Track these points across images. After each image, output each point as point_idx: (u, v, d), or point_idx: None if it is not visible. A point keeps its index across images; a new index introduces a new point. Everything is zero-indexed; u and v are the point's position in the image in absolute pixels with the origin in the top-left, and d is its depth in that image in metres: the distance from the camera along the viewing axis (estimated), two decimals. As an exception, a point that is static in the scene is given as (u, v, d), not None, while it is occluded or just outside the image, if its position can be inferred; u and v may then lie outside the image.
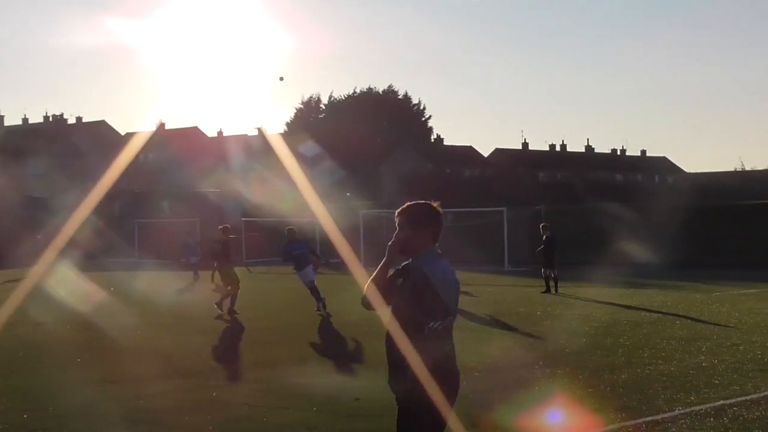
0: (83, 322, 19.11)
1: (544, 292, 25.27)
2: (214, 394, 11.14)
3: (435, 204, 5.41)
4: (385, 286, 5.23)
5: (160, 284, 30.69)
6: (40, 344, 16.25)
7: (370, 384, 11.55)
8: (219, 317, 20.34)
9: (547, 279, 25.73)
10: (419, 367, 5.03)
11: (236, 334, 17.78)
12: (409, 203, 5.40)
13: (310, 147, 77.82)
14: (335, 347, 15.51)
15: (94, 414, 10.06)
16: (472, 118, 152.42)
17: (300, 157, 60.92)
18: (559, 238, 26.91)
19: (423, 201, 5.43)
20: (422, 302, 5.07)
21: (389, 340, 5.18)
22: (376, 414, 9.78)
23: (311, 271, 21.19)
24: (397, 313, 5.19)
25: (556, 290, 25.39)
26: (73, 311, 20.85)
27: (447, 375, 5.11)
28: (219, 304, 21.29)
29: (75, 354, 14.68)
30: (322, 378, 12.24)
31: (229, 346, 15.64)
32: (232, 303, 21.13)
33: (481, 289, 26.24)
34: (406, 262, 5.33)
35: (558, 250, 26.13)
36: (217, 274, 25.01)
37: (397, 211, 5.34)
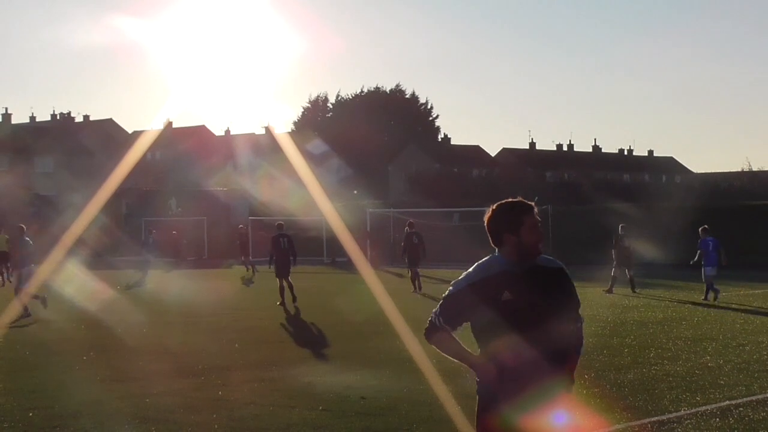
0: (90, 321, 19.15)
1: (607, 292, 24.98)
2: (221, 392, 11.15)
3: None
4: None
5: (166, 282, 30.74)
6: (47, 342, 16.29)
7: (376, 383, 11.57)
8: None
9: (614, 280, 25.36)
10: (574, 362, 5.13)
11: (243, 332, 17.79)
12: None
13: (317, 145, 77.94)
14: (341, 346, 15.51)
15: (101, 412, 10.08)
16: (480, 118, 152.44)
17: (308, 155, 61.03)
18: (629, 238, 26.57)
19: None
20: (572, 299, 5.10)
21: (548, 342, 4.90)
22: (382, 413, 9.80)
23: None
24: (540, 312, 4.89)
25: (633, 288, 25.20)
26: (81, 309, 20.90)
27: None
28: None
29: (81, 352, 14.71)
30: (328, 377, 12.25)
31: (235, 344, 15.65)
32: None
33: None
34: (512, 265, 4.98)
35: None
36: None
37: (535, 209, 5.03)
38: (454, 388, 10.64)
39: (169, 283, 30.69)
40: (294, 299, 22.37)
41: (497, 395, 4.90)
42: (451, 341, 5.02)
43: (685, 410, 9.76)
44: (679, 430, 8.95)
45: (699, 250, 23.31)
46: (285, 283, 22.91)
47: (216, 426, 9.34)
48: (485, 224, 5.06)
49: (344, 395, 10.79)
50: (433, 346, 5.12)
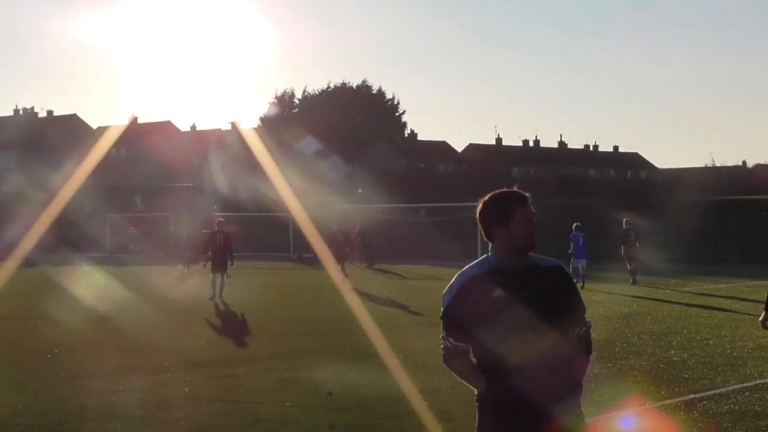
0: (54, 317, 18.95)
1: (633, 284, 26.36)
2: (187, 389, 11.10)
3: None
4: None
5: (131, 279, 30.50)
6: (10, 340, 16.12)
7: (342, 379, 11.57)
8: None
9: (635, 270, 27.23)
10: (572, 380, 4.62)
11: (209, 329, 17.72)
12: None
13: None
14: (309, 342, 15.49)
15: (65, 410, 9.98)
16: (447, 114, 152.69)
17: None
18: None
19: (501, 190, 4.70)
20: (574, 301, 4.69)
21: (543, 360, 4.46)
22: (348, 408, 9.81)
23: None
24: (535, 313, 4.48)
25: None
26: (44, 306, 20.69)
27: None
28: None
29: (46, 349, 14.55)
30: (295, 373, 12.23)
31: (201, 341, 15.58)
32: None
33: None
34: (502, 263, 4.57)
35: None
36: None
37: (529, 200, 4.61)
38: (421, 384, 10.67)
39: (135, 279, 30.45)
40: (219, 295, 22.71)
41: (493, 402, 4.54)
42: (471, 369, 4.61)
43: (650, 404, 9.84)
44: (644, 423, 9.02)
45: (572, 243, 26.35)
46: (219, 279, 23.11)
47: (183, 422, 9.29)
48: (477, 217, 4.65)
49: (311, 391, 10.78)
50: (455, 374, 4.71)
